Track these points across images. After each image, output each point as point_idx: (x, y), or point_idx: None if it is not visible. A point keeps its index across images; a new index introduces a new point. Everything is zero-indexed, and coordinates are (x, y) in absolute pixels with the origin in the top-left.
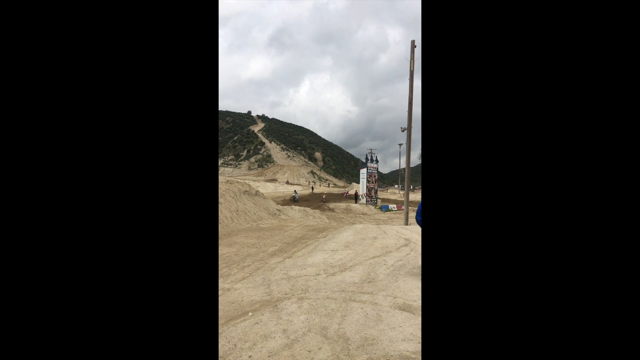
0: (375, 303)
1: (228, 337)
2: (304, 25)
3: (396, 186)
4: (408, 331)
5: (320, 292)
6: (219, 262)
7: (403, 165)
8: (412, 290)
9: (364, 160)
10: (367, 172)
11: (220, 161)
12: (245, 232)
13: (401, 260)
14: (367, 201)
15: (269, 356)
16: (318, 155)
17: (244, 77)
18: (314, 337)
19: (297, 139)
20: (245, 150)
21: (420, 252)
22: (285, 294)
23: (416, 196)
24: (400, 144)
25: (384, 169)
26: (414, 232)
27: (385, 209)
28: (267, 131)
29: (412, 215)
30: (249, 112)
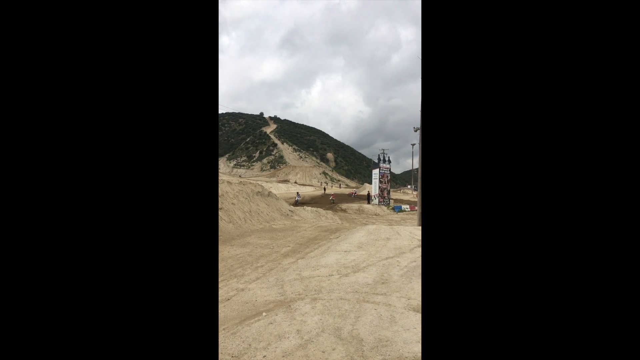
0: (389, 304)
1: (243, 336)
2: (315, 26)
3: (409, 187)
4: None
5: (333, 293)
6: (233, 263)
7: (416, 165)
8: None
9: (376, 161)
10: (379, 172)
11: (233, 162)
12: (259, 232)
13: (415, 261)
14: (379, 202)
15: (283, 356)
16: (330, 156)
17: (256, 79)
18: (327, 337)
19: (309, 140)
20: (258, 152)
21: None
22: (299, 294)
23: None
24: (413, 144)
25: (397, 170)
26: None
27: (398, 209)
28: (279, 132)
29: None
30: (261, 114)
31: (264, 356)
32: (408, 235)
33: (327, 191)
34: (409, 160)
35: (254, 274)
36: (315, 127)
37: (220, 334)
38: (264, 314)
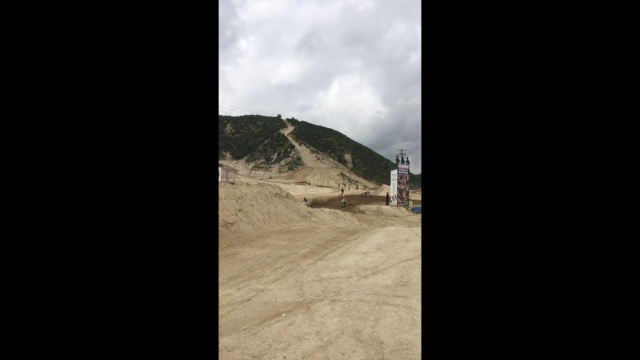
0: (410, 307)
1: (263, 337)
2: (333, 28)
3: None
4: None
5: (352, 295)
6: (253, 264)
7: None
8: None
9: (394, 162)
10: (397, 173)
11: (252, 165)
12: (277, 234)
13: None
14: (398, 203)
15: (303, 357)
16: (347, 157)
17: (274, 81)
18: (347, 339)
19: (326, 141)
20: (276, 154)
21: None
22: (318, 295)
23: None
24: None
25: (416, 170)
26: None
27: (417, 210)
28: (296, 134)
29: None
30: (279, 116)
31: (284, 357)
32: None
33: (345, 192)
34: None
35: (273, 275)
36: (333, 128)
37: (240, 334)
38: (283, 314)
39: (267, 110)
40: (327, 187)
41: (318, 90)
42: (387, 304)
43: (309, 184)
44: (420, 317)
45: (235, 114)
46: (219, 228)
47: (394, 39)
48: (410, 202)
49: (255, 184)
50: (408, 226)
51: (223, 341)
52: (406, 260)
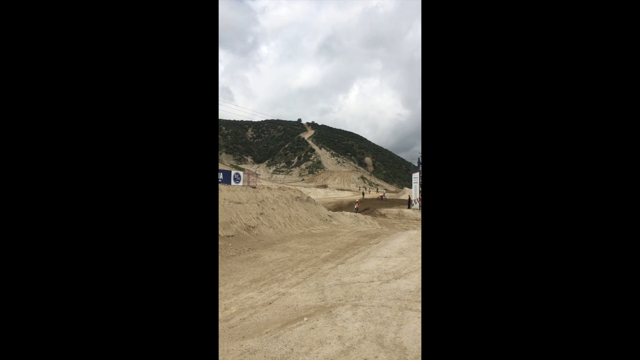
0: None
1: (285, 340)
2: (353, 31)
3: None
4: None
5: (374, 300)
6: (274, 267)
7: None
8: None
9: (416, 164)
10: (419, 176)
11: (272, 169)
12: (298, 237)
13: None
14: (420, 206)
15: None
16: (368, 160)
17: (294, 86)
18: (369, 345)
19: (346, 144)
20: (296, 157)
21: None
22: (339, 300)
23: None
24: None
25: None
26: None
27: None
28: (316, 138)
29: None
30: (299, 120)
31: None
32: None
33: (366, 196)
34: None
35: (295, 279)
36: (353, 131)
37: (263, 337)
38: (305, 318)
39: (288, 114)
40: (347, 190)
41: (338, 93)
42: (410, 309)
43: (324, 186)
44: None
45: (257, 118)
46: (241, 231)
47: (414, 41)
48: None
49: (276, 187)
50: None
51: (246, 344)
52: None
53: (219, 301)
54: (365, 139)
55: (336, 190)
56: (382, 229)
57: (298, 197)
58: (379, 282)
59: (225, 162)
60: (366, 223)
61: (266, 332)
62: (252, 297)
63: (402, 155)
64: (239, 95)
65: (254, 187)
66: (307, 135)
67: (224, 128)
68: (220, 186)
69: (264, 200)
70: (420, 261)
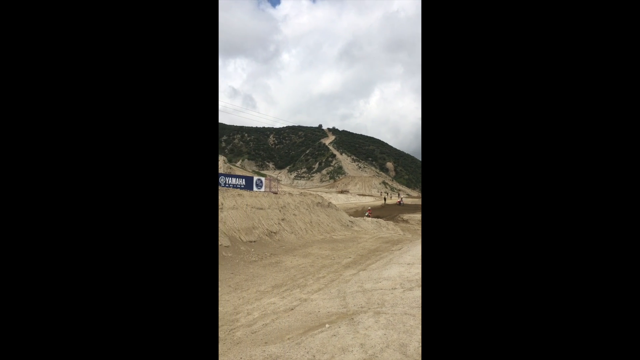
0: None
1: (307, 347)
2: (373, 36)
3: None
4: None
5: (397, 307)
6: (296, 273)
7: None
8: None
9: None
10: None
11: (294, 174)
12: (319, 243)
13: None
14: None
15: None
16: (389, 165)
17: (315, 92)
18: (392, 353)
19: (367, 149)
20: (317, 163)
21: None
22: (361, 307)
23: None
24: None
25: None
26: None
27: None
28: (337, 143)
29: None
30: (320, 126)
31: None
32: None
33: (387, 201)
34: None
35: (316, 285)
36: (374, 136)
37: (285, 343)
38: (327, 325)
39: (309, 120)
40: (368, 195)
41: (359, 99)
42: None
43: (348, 192)
44: None
45: (278, 125)
46: (263, 237)
47: None
48: None
49: (298, 193)
50: None
51: (268, 349)
52: None
53: (242, 306)
54: (386, 144)
55: (357, 196)
56: (404, 235)
57: (319, 203)
58: (402, 289)
59: (247, 168)
60: (388, 229)
61: (288, 338)
62: (274, 303)
63: None
64: (260, 102)
65: (276, 193)
66: (328, 140)
67: (246, 135)
68: (243, 192)
69: (285, 206)
70: None
